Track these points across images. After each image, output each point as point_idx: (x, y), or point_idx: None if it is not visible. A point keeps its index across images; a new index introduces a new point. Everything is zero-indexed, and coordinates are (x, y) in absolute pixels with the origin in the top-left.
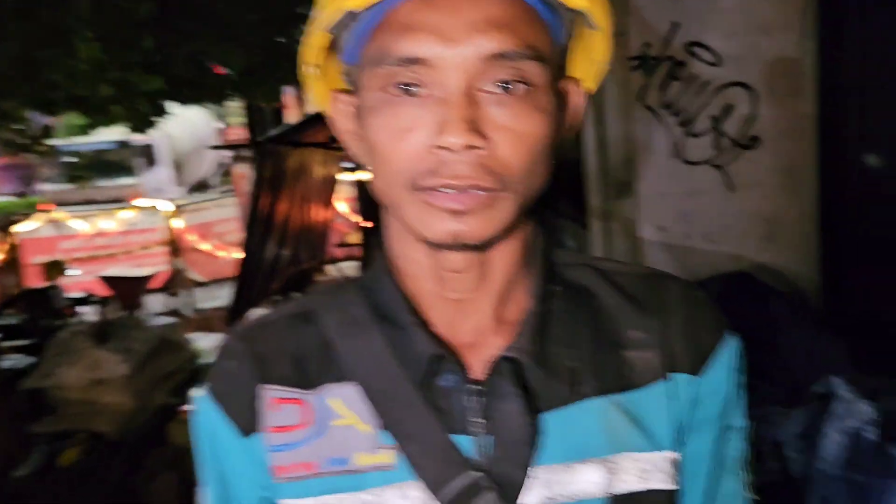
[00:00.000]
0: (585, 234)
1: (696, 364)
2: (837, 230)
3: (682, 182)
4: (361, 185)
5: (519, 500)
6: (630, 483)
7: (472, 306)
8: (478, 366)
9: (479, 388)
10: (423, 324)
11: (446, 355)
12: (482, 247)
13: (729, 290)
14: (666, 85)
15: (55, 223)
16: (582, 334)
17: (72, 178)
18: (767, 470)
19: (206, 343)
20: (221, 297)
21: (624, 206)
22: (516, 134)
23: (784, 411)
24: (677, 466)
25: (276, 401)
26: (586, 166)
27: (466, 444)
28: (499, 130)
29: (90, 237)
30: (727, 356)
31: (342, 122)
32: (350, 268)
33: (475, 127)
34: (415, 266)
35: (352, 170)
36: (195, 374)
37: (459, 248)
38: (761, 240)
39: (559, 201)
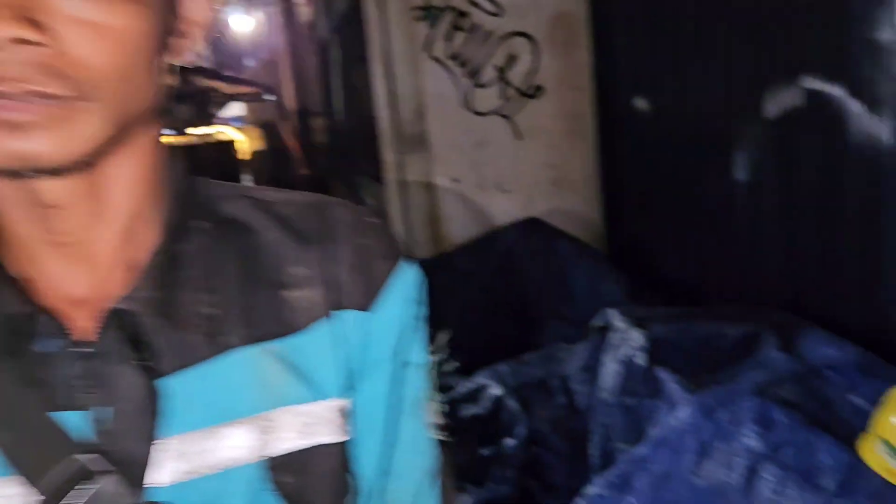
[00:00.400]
0: (382, 189)
1: (366, 298)
2: (616, 173)
3: (473, 133)
4: None
5: (147, 480)
6: (290, 441)
7: (87, 251)
8: (90, 324)
9: (89, 350)
10: (10, 278)
11: (37, 313)
12: (64, 171)
13: (521, 236)
14: (451, 35)
15: None
16: (230, 276)
17: None
18: (556, 405)
19: None
20: None
21: (418, 159)
22: (96, 28)
23: (570, 347)
24: (347, 414)
25: None
26: (378, 121)
27: (77, 420)
28: (70, 22)
29: None
30: (402, 287)
31: None
32: None
33: (27, 14)
34: (5, 204)
35: None
36: None
37: (32, 175)
38: (549, 186)
39: (358, 158)
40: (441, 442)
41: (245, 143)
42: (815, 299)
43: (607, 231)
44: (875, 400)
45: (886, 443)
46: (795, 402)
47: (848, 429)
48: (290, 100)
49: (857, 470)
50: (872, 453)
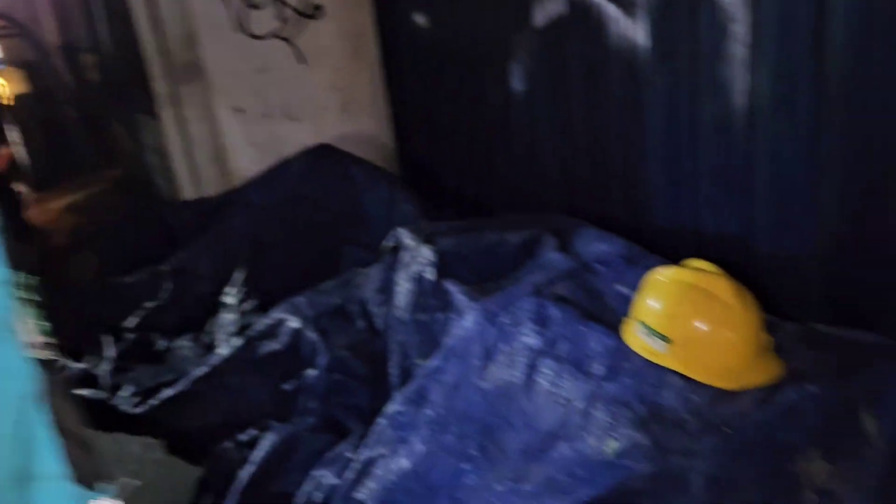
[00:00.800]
0: (160, 125)
1: None
2: (401, 92)
3: (252, 58)
4: None
5: None
6: None
7: None
8: None
9: None
10: None
11: None
12: None
13: (312, 163)
14: None
15: None
16: None
17: None
18: (356, 330)
19: None
20: None
21: (194, 89)
22: None
23: (365, 271)
24: None
25: None
26: (143, 50)
27: None
28: None
29: None
30: None
31: None
32: None
33: None
34: None
35: None
36: None
37: None
38: (338, 110)
39: (132, 94)
40: (45, 362)
41: (5, 86)
42: (587, 199)
43: (398, 152)
44: (637, 287)
45: (643, 324)
46: (570, 297)
47: (615, 316)
48: (51, 34)
49: (622, 353)
50: (633, 335)
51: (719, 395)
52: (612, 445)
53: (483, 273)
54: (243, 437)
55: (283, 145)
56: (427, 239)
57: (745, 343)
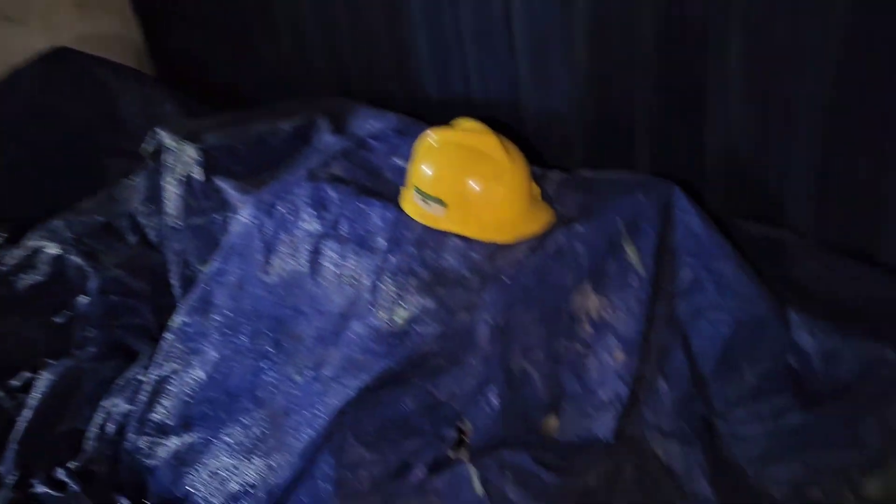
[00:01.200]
0: None
1: None
2: None
3: None
4: None
5: None
6: None
7: None
8: None
9: None
10: None
11: None
12: None
13: (50, 71)
14: None
15: None
16: None
17: None
18: (128, 246)
19: None
20: None
21: None
22: None
23: (130, 182)
24: None
25: None
26: None
27: None
28: None
29: None
30: None
31: None
32: None
33: None
34: None
35: None
36: None
37: None
38: (71, 7)
39: None
40: None
41: None
42: (359, 79)
43: (150, 49)
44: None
45: (418, 189)
46: (347, 176)
47: (394, 189)
48: None
49: (402, 223)
50: (410, 203)
51: (496, 249)
52: (401, 315)
53: (257, 165)
54: (15, 382)
55: (8, 54)
56: (190, 136)
57: (515, 196)
